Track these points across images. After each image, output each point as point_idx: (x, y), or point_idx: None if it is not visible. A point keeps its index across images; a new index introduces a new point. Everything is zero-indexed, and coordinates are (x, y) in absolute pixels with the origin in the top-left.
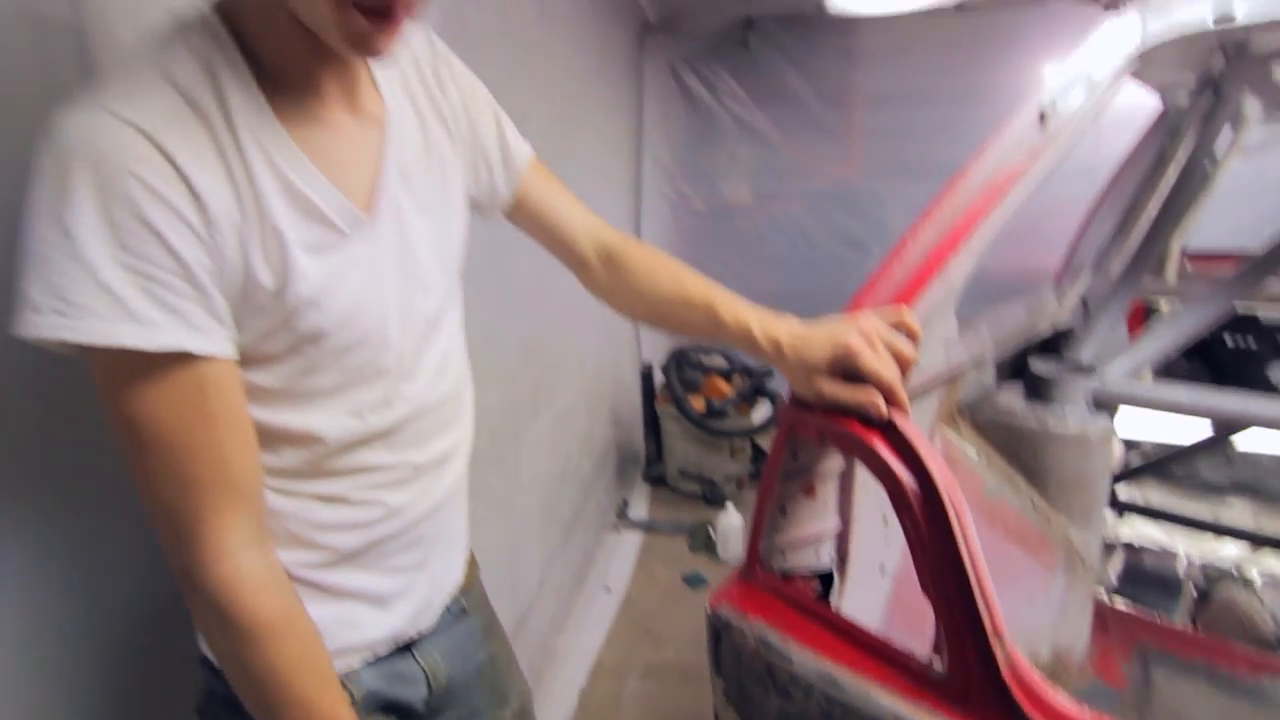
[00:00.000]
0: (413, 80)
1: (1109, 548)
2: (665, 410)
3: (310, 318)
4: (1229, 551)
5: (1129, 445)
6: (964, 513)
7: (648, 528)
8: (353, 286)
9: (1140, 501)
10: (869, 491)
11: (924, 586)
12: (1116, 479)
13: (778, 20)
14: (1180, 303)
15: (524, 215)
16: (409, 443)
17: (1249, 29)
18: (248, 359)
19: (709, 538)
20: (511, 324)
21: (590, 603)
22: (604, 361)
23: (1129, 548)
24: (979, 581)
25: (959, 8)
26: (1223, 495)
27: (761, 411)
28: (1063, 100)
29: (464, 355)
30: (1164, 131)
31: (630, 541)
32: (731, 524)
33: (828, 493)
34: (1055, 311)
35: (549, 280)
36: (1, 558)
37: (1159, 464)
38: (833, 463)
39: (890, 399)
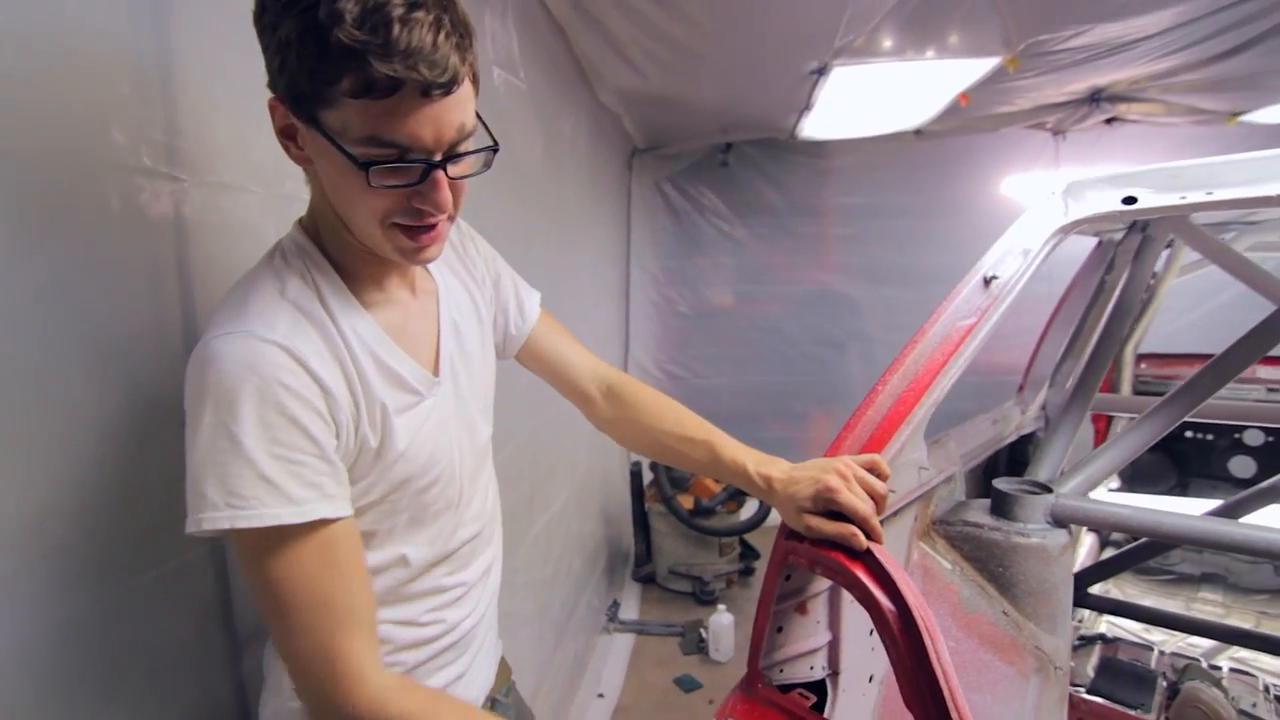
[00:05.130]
0: (451, 256)
1: (1087, 641)
2: (654, 509)
3: (400, 467)
4: (1203, 642)
5: (1105, 543)
6: (936, 633)
7: (639, 629)
8: (427, 436)
9: (1118, 596)
10: (855, 606)
11: (905, 700)
12: (1086, 578)
13: (754, 143)
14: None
15: (533, 356)
16: (464, 563)
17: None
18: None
19: (701, 639)
20: (512, 431)
21: (584, 711)
22: (594, 460)
23: (1105, 642)
24: (951, 694)
25: (918, 133)
26: (1196, 586)
27: (750, 509)
28: (1002, 267)
29: (495, 479)
30: (1101, 263)
31: (622, 644)
32: (722, 624)
33: (819, 610)
34: (1020, 421)
35: (545, 387)
36: None
37: (1120, 560)
38: (823, 583)
39: (866, 531)
